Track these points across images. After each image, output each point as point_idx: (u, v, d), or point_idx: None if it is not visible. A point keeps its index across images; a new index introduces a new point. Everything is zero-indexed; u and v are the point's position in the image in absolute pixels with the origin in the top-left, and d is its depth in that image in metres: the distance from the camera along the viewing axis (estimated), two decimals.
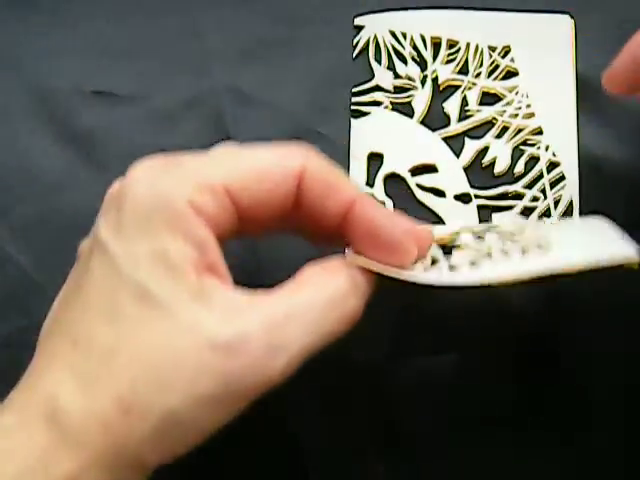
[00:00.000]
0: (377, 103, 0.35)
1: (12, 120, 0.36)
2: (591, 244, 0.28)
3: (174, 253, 0.23)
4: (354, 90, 0.35)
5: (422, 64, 0.35)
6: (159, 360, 0.22)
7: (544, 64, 0.35)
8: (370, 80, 0.35)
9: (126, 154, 0.35)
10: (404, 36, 0.36)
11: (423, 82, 0.35)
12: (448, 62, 0.35)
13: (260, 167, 0.24)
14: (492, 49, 0.35)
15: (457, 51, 0.35)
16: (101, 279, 0.24)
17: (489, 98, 0.35)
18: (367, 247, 0.25)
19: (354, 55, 0.36)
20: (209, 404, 0.22)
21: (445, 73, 0.35)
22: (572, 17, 0.35)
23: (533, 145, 0.34)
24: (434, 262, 0.27)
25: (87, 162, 0.35)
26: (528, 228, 0.29)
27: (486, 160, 0.34)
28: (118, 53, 0.36)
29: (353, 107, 0.35)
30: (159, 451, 0.23)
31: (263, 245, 0.33)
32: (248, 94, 0.36)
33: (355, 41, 0.36)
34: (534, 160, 0.34)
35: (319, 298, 0.24)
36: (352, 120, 0.35)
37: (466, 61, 0.35)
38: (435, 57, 0.35)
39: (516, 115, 0.35)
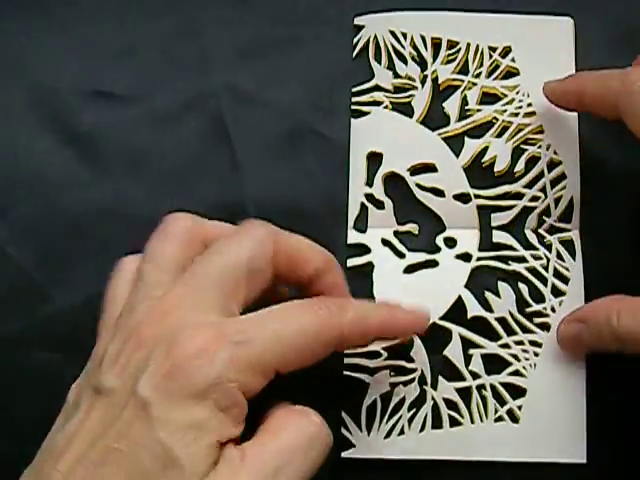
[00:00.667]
0: (377, 103, 0.35)
1: (12, 120, 0.36)
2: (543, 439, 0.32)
3: (213, 428, 0.25)
4: (354, 90, 0.35)
5: (422, 64, 0.35)
6: None
7: (545, 64, 0.35)
8: (370, 80, 0.35)
9: (126, 154, 0.35)
10: (404, 36, 0.36)
11: (423, 82, 0.35)
12: (448, 62, 0.35)
13: (303, 347, 0.26)
14: (492, 49, 0.35)
15: (457, 51, 0.35)
16: (138, 442, 0.24)
17: (489, 98, 0.35)
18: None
19: (354, 55, 0.36)
20: None
21: (445, 73, 0.35)
22: (572, 17, 0.35)
23: (534, 144, 0.34)
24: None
25: (87, 162, 0.35)
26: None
27: (486, 159, 0.34)
28: (118, 53, 0.36)
29: (353, 107, 0.35)
30: None
31: None
32: (248, 94, 0.36)
33: (355, 41, 0.36)
34: (535, 159, 0.34)
35: (299, 442, 0.26)
36: (352, 120, 0.35)
37: (466, 61, 0.35)
38: (435, 57, 0.35)
39: (517, 114, 0.35)
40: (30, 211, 0.35)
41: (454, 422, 0.32)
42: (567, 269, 0.33)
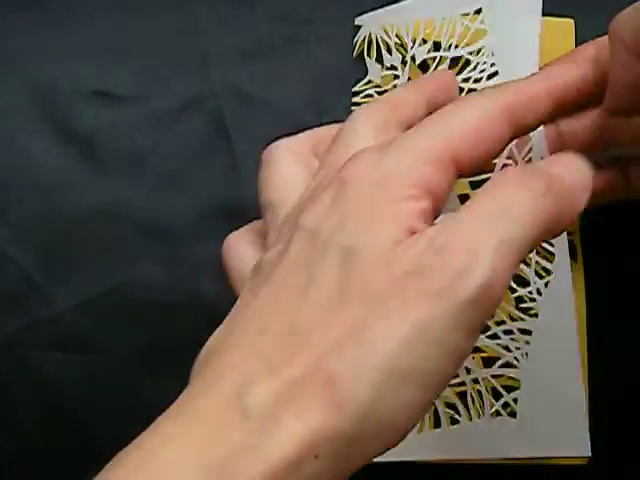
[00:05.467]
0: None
1: (12, 120, 0.36)
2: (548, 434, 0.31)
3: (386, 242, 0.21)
4: (354, 90, 0.35)
5: (404, 51, 0.35)
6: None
7: (513, 25, 0.33)
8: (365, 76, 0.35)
9: (126, 154, 0.35)
10: (392, 29, 0.35)
11: (404, 68, 0.35)
12: (424, 42, 0.34)
13: (475, 126, 0.23)
14: (464, 16, 0.34)
15: (433, 30, 0.35)
16: (298, 262, 0.22)
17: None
18: None
19: (354, 55, 0.36)
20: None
21: (421, 54, 0.34)
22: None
23: None
24: None
25: (87, 162, 0.35)
26: None
27: None
28: (118, 53, 0.36)
29: (353, 107, 0.35)
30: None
31: None
32: (248, 93, 0.36)
33: (355, 41, 0.36)
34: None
35: (522, 197, 0.21)
36: None
37: (439, 36, 0.34)
38: (414, 41, 0.35)
39: (479, 79, 0.33)
40: (30, 211, 0.35)
41: (452, 420, 0.32)
42: (551, 244, 0.31)
